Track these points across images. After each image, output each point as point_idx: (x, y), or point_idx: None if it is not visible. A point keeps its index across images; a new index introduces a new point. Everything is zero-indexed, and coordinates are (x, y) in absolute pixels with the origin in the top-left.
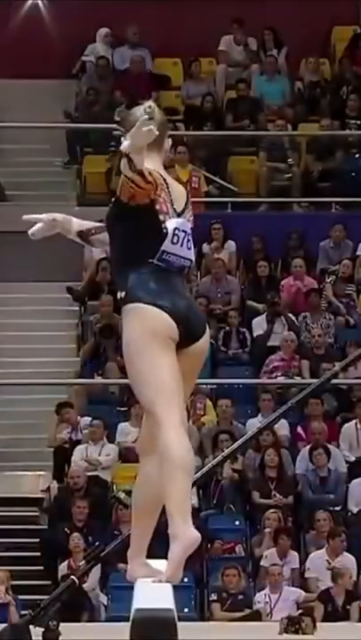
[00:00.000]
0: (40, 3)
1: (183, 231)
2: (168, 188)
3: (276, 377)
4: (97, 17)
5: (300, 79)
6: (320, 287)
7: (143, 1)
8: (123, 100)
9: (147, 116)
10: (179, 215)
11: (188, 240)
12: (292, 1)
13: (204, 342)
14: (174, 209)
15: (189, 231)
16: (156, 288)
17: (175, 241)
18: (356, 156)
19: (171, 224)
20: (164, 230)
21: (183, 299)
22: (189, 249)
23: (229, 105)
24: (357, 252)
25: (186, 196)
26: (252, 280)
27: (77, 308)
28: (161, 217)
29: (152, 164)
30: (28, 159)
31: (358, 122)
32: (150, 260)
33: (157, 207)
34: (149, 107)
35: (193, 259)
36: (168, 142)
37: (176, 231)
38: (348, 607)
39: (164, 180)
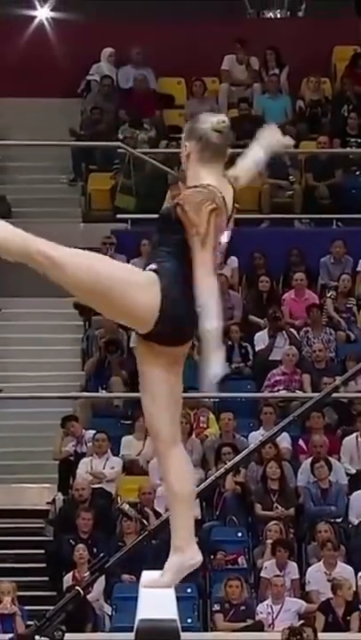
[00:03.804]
0: (46, 23)
1: (224, 243)
2: (225, 203)
3: (277, 391)
4: (101, 37)
5: (301, 98)
6: (321, 302)
7: (147, 22)
8: (127, 118)
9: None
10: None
11: (221, 250)
12: (293, 21)
13: (182, 349)
14: (228, 219)
15: (226, 241)
16: (178, 278)
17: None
18: (357, 173)
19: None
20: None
21: (193, 301)
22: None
23: (232, 123)
24: (358, 268)
25: (232, 197)
26: (254, 295)
27: (82, 323)
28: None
29: (212, 175)
30: (34, 176)
31: (359, 140)
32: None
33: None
34: (223, 121)
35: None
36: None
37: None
38: (348, 618)
39: (223, 199)
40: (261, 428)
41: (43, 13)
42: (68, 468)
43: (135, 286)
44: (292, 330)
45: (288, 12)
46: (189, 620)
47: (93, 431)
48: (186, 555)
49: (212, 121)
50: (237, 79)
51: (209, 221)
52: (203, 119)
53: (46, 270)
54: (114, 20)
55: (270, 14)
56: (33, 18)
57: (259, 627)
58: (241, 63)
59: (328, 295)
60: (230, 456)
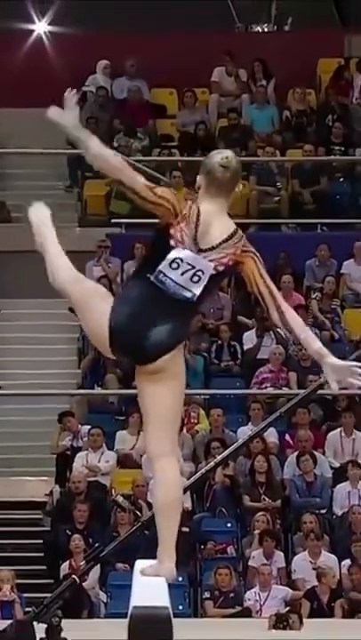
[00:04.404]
0: (44, 37)
1: (189, 264)
2: (197, 223)
3: (265, 388)
4: (97, 50)
5: (287, 108)
6: (307, 303)
7: (141, 36)
8: (121, 127)
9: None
10: (199, 251)
11: (195, 275)
12: (280, 35)
13: (158, 364)
14: (196, 243)
15: (200, 268)
16: (131, 297)
17: (175, 267)
18: (341, 180)
19: (175, 252)
20: (168, 254)
21: (146, 319)
22: (194, 282)
23: (221, 132)
24: (341, 270)
25: (223, 240)
26: (243, 297)
27: (78, 324)
28: (172, 242)
29: (212, 205)
30: (33, 183)
31: (342, 148)
32: (148, 275)
33: (171, 232)
34: (226, 157)
35: (196, 293)
36: (238, 186)
37: (177, 260)
38: (332, 604)
39: (197, 216)
40: (250, 423)
41: (41, 27)
42: (64, 461)
43: (95, 307)
44: (278, 330)
45: (275, 26)
46: (181, 607)
47: (89, 426)
48: (160, 566)
49: (219, 156)
50: (227, 90)
51: (152, 191)
52: (212, 154)
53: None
54: (109, 33)
55: (258, 28)
56: (31, 31)
57: (247, 613)
58: (230, 75)
59: (313, 296)
60: (220, 450)
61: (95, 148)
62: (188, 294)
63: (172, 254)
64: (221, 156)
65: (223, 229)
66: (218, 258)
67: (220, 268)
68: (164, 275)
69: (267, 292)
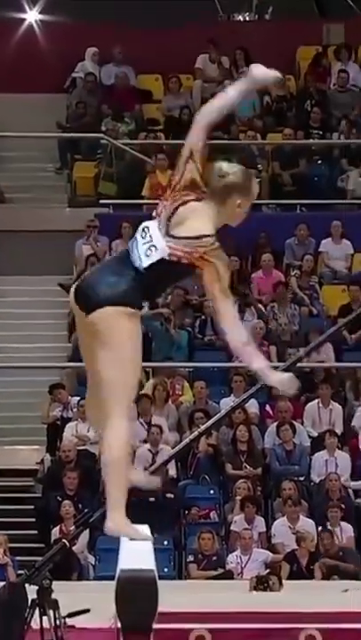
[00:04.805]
0: (35, 25)
1: (150, 237)
2: (175, 210)
3: None
4: (86, 38)
5: (268, 94)
6: (286, 280)
7: (128, 24)
8: (109, 112)
9: None
10: (166, 233)
11: (150, 249)
12: (261, 24)
13: (92, 317)
14: (167, 224)
15: (156, 245)
16: (110, 257)
17: (142, 235)
18: (319, 162)
19: (149, 222)
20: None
21: (103, 272)
22: (147, 256)
23: None
24: (319, 249)
25: (186, 237)
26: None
27: (68, 300)
28: (153, 213)
29: (199, 201)
30: (24, 165)
31: (320, 132)
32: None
33: (158, 204)
34: (223, 169)
35: (143, 265)
36: (236, 201)
37: (145, 228)
38: (311, 567)
39: (180, 204)
40: (232, 394)
41: (32, 16)
42: (55, 431)
43: None
44: (259, 305)
45: (256, 16)
46: (166, 570)
47: (78, 398)
48: (108, 520)
49: (219, 166)
50: (210, 76)
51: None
52: (222, 163)
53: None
54: (97, 22)
55: (240, 17)
56: (23, 20)
57: (229, 575)
58: (213, 62)
59: (293, 274)
60: (203, 420)
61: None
62: (137, 263)
63: (147, 223)
64: (221, 167)
65: (193, 229)
66: (175, 248)
67: (173, 258)
68: (135, 239)
69: (218, 302)
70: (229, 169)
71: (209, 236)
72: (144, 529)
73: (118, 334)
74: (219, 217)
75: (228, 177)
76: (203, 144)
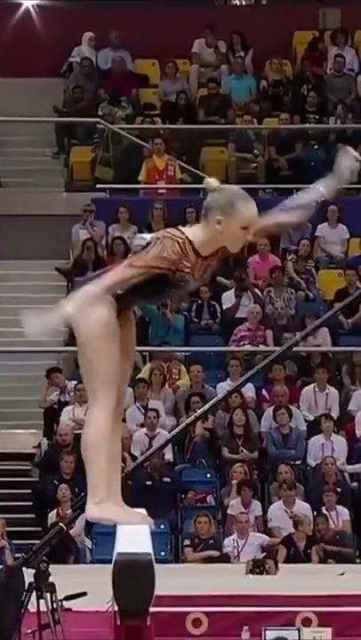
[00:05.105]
0: (32, 10)
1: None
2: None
3: (243, 345)
4: (83, 22)
5: (264, 78)
6: (283, 265)
7: (124, 8)
8: (106, 96)
9: None
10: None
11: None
12: (257, 8)
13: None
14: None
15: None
16: None
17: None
18: (315, 147)
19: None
20: None
21: None
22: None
23: (201, 101)
24: (316, 233)
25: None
26: (222, 258)
27: (65, 284)
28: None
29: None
30: (21, 149)
31: (317, 116)
32: None
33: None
34: (208, 182)
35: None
36: (213, 223)
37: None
38: (308, 551)
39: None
40: (228, 379)
41: (29, 1)
42: (52, 415)
43: None
44: (256, 290)
45: (253, 0)
46: (163, 554)
47: (75, 382)
48: (87, 505)
49: (208, 181)
50: (206, 61)
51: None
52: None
53: None
54: (94, 6)
55: (237, 2)
56: (20, 4)
57: (225, 559)
58: (210, 46)
59: (289, 258)
60: (200, 404)
61: None
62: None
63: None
64: (209, 181)
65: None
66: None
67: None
68: None
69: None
70: (209, 185)
71: (154, 240)
72: (139, 512)
73: (85, 325)
74: (205, 232)
75: (208, 194)
76: (259, 228)
